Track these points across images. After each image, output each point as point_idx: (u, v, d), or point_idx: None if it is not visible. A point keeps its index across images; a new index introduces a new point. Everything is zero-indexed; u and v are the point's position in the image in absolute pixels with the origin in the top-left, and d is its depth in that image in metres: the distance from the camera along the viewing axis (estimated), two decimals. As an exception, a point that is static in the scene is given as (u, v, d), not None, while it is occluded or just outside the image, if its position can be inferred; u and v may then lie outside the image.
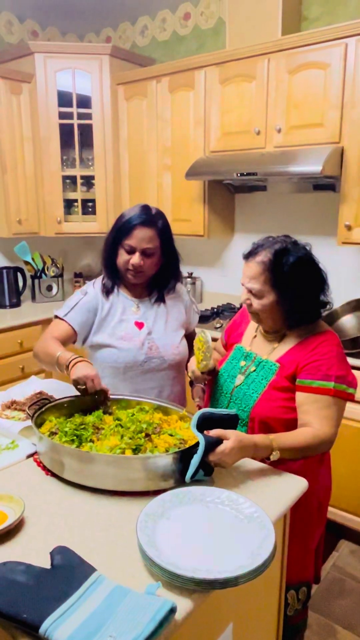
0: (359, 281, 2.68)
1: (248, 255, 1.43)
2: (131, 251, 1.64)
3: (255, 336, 1.55)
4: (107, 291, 1.75)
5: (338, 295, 2.69)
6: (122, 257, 1.66)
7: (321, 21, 2.72)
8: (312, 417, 1.34)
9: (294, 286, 1.38)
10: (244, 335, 1.59)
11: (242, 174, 2.54)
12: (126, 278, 1.72)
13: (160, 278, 1.76)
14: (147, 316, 1.75)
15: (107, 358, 1.72)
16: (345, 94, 2.32)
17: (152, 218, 1.65)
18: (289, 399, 1.40)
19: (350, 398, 1.39)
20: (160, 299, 1.78)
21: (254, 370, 1.47)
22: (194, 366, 1.56)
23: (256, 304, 1.42)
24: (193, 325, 1.92)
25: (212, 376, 1.61)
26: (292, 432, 1.34)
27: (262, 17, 2.60)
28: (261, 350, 1.51)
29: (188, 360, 1.72)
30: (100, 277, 1.79)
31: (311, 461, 1.44)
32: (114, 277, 1.75)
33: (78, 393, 1.47)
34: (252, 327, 1.59)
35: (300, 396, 1.38)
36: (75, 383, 1.43)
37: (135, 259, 1.64)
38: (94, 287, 1.78)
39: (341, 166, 2.39)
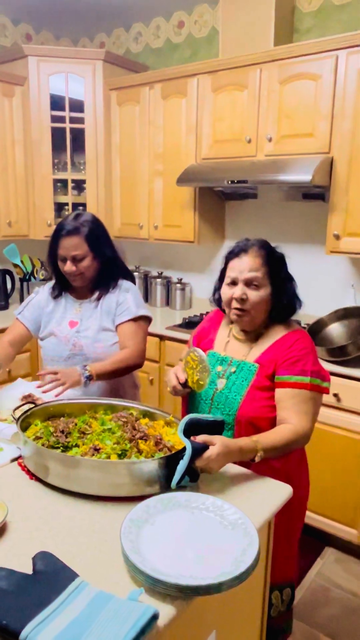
0: (346, 290, 2.71)
1: (239, 252, 1.46)
2: (64, 259, 1.80)
3: (228, 341, 1.56)
4: (55, 295, 1.94)
5: (325, 303, 2.73)
6: (60, 264, 1.83)
7: (313, 33, 2.76)
8: (291, 413, 1.38)
9: (283, 279, 1.47)
10: (216, 341, 1.59)
11: (232, 182, 2.56)
12: (69, 282, 1.88)
13: (101, 278, 1.89)
14: (84, 316, 1.89)
15: (43, 350, 1.96)
16: (335, 105, 2.35)
17: (77, 226, 1.78)
18: (272, 397, 1.43)
19: (325, 392, 1.44)
20: (99, 299, 1.89)
21: (234, 372, 1.48)
22: (174, 382, 1.46)
23: (254, 296, 1.42)
24: (118, 320, 1.86)
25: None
26: (273, 430, 1.36)
27: (255, 28, 2.63)
28: (237, 353, 1.51)
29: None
30: (53, 281, 1.96)
31: (292, 460, 1.47)
32: (61, 282, 1.92)
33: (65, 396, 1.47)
34: (223, 332, 1.59)
35: (279, 392, 1.42)
36: None
37: (68, 266, 1.80)
38: (44, 288, 1.99)
39: (330, 176, 2.42)
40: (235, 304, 1.44)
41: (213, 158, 2.81)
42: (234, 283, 1.45)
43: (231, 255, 1.48)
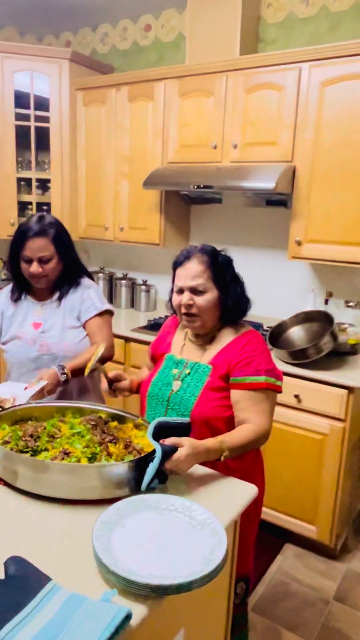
0: (307, 294, 2.80)
1: (183, 260, 1.52)
2: (29, 261, 1.81)
3: (184, 344, 1.61)
4: (15, 298, 1.94)
5: (287, 307, 2.81)
6: (23, 266, 1.84)
7: (277, 44, 2.84)
8: (249, 414, 1.43)
9: (230, 282, 1.52)
10: (172, 345, 1.65)
11: (198, 186, 2.60)
12: (31, 284, 1.89)
13: (62, 280, 1.91)
14: (47, 317, 1.90)
15: (7, 355, 1.94)
16: (298, 115, 2.43)
17: (44, 227, 1.81)
18: (225, 397, 1.48)
19: (279, 390, 1.50)
20: (61, 299, 1.91)
21: (189, 373, 1.53)
22: (105, 385, 1.58)
23: (200, 300, 1.48)
24: (85, 316, 1.92)
25: (131, 392, 1.65)
26: (236, 430, 1.41)
27: (221, 35, 2.68)
28: (192, 356, 1.57)
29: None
30: (10, 285, 1.97)
31: (247, 459, 1.52)
32: (21, 285, 1.93)
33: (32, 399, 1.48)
34: (179, 336, 1.65)
35: (235, 394, 1.47)
36: None
37: (34, 267, 1.81)
38: (2, 293, 1.99)
39: (293, 184, 2.49)
40: (184, 310, 1.51)
41: (179, 162, 2.84)
42: (181, 291, 1.51)
43: (177, 264, 1.55)
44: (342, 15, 2.64)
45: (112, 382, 1.57)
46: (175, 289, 1.54)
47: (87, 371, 1.49)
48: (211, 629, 1.30)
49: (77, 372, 1.79)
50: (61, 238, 1.86)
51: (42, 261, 1.81)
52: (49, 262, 1.83)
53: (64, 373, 1.74)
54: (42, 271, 1.82)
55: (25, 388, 1.66)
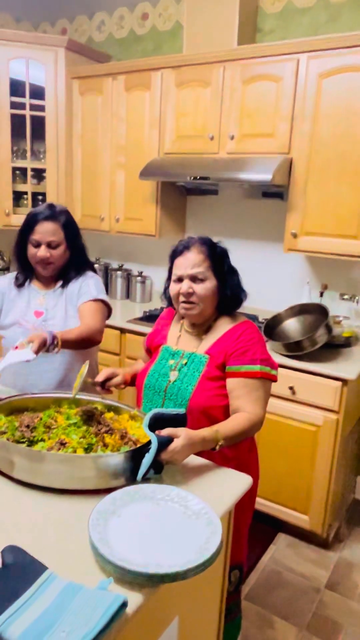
0: (302, 287, 2.81)
1: (182, 250, 1.54)
2: (37, 245, 1.81)
3: (180, 335, 1.63)
4: (18, 284, 1.93)
5: (282, 299, 2.82)
6: (31, 251, 1.84)
7: (275, 35, 2.82)
8: (244, 402, 1.45)
9: (227, 272, 1.54)
10: (168, 336, 1.66)
11: (195, 178, 2.59)
12: (37, 270, 1.89)
13: (68, 269, 1.91)
14: (49, 306, 1.89)
15: (5, 341, 1.92)
16: (295, 107, 2.42)
17: (55, 214, 1.83)
18: (223, 386, 1.50)
19: (274, 379, 1.52)
20: (64, 287, 1.90)
21: (186, 364, 1.54)
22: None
23: (200, 289, 1.50)
24: (79, 302, 1.88)
25: (126, 385, 1.64)
26: (231, 419, 1.43)
27: (219, 25, 2.66)
28: (188, 346, 1.58)
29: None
30: (14, 272, 1.97)
31: (242, 449, 1.54)
32: (26, 271, 1.93)
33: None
34: (175, 328, 1.66)
35: (231, 382, 1.48)
36: None
37: (42, 251, 1.81)
38: (5, 277, 1.99)
39: (289, 176, 2.49)
40: (182, 298, 1.52)
41: (176, 153, 2.83)
42: (180, 280, 1.52)
43: (175, 254, 1.56)
44: (341, 6, 2.62)
45: (103, 382, 1.57)
46: (173, 278, 1.55)
47: (74, 393, 1.46)
48: (205, 617, 1.32)
49: (67, 344, 1.69)
50: (70, 226, 1.87)
51: (50, 246, 1.82)
52: (57, 248, 1.83)
53: (54, 344, 1.62)
54: (49, 256, 1.82)
55: (16, 347, 1.57)
